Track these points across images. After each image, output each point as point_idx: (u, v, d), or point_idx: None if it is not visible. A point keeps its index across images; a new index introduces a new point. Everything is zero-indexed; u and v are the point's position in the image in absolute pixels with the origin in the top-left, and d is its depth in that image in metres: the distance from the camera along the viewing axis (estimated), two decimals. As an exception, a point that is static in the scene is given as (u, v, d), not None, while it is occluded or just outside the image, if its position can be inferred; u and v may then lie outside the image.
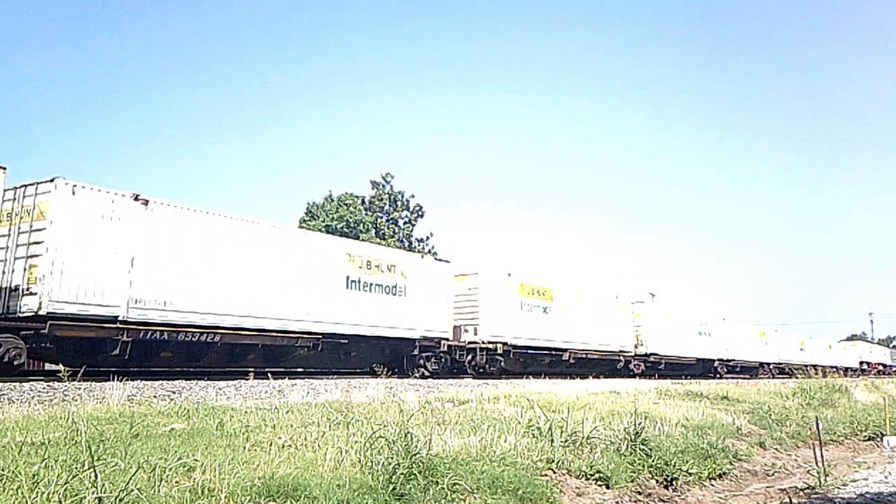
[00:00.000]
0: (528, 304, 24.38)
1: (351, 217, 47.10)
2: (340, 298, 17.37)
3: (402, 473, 5.03)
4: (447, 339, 20.62)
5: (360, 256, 18.38)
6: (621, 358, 29.65)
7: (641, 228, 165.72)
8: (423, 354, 20.00)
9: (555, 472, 6.49)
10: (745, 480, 8.99)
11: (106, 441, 5.01)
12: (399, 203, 51.43)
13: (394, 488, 4.87)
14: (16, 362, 11.57)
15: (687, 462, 8.12)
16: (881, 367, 67.90)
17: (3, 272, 12.31)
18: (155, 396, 8.91)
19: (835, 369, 33.78)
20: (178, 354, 14.70)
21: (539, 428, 7.55)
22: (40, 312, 11.68)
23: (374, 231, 48.02)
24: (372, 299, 18.27)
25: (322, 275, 17.04)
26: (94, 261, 12.48)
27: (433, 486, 5.19)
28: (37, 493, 3.62)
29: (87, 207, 12.57)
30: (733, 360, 39.40)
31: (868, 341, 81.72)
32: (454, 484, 5.31)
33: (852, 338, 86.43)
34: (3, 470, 3.93)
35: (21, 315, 11.82)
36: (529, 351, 24.29)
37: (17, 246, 12.26)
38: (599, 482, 6.74)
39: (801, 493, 8.29)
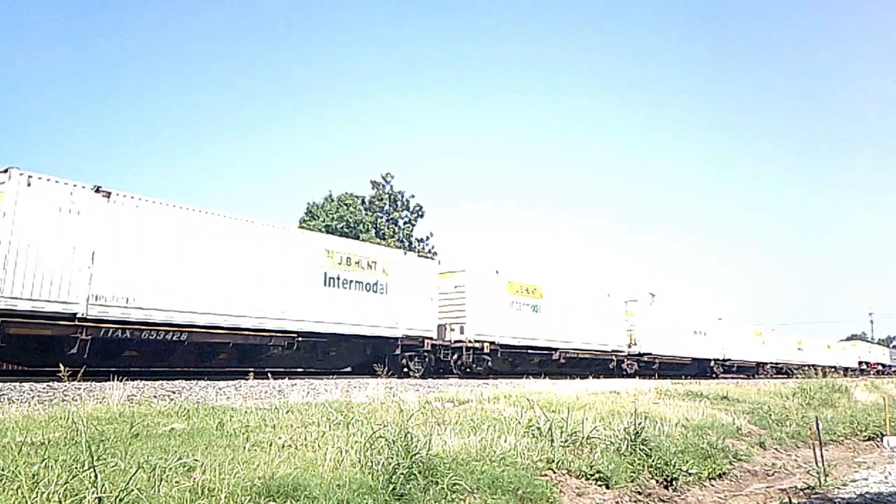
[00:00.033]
0: (517, 303, 24.03)
1: (351, 217, 47.14)
2: (318, 296, 16.81)
3: (402, 473, 5.03)
4: (431, 339, 20.14)
5: (338, 252, 17.78)
6: (614, 357, 29.23)
7: (641, 228, 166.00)
8: (406, 354, 19.52)
9: (555, 472, 6.48)
10: (745, 480, 8.98)
11: (106, 441, 5.02)
12: (399, 203, 51.47)
13: (394, 488, 4.87)
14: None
15: (687, 462, 8.11)
16: (880, 367, 67.90)
17: (-45, 267, 11.69)
18: (155, 396, 8.92)
19: (833, 369, 33.74)
20: (143, 353, 14.16)
21: (539, 428, 7.54)
22: (-7, 309, 11.12)
23: (374, 231, 48.05)
24: (351, 297, 17.72)
25: (298, 271, 16.47)
26: (51, 255, 11.94)
27: (433, 486, 5.19)
28: (37, 493, 3.62)
29: (44, 199, 12.04)
30: (730, 360, 39.23)
31: (868, 341, 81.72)
32: (454, 484, 5.30)
33: (852, 338, 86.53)
34: (3, 470, 3.92)
35: None
36: (518, 350, 23.93)
37: (-31, 239, 11.63)
38: (599, 482, 6.73)
39: (801, 493, 8.28)
